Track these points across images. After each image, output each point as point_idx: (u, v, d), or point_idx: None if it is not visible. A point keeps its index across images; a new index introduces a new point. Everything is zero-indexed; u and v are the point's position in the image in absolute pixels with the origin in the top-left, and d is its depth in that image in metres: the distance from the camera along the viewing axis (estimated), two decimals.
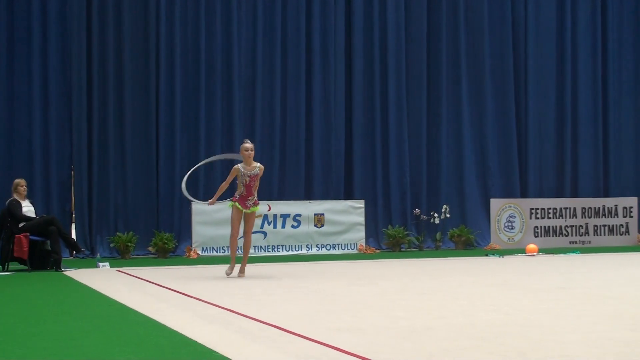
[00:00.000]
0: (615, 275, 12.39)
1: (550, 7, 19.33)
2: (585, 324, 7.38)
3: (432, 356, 5.85)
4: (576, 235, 18.49)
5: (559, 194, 19.21)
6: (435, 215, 17.57)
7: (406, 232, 17.28)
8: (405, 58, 18.13)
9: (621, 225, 18.91)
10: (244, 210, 11.58)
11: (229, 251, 12.67)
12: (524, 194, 18.83)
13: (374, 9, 17.90)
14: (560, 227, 18.40)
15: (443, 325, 7.30)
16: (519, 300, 9.40)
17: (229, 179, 11.69)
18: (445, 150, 18.32)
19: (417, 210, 17.66)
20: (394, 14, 18.03)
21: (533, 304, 8.92)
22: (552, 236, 18.31)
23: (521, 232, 17.99)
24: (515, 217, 17.98)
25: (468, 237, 17.56)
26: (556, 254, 16.58)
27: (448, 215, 17.65)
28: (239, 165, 11.61)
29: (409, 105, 18.15)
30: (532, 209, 18.20)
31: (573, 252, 17.00)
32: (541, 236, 18.13)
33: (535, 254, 16.35)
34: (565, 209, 18.49)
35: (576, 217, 18.55)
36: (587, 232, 18.60)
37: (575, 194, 19.31)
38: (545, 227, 18.27)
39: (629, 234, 18.93)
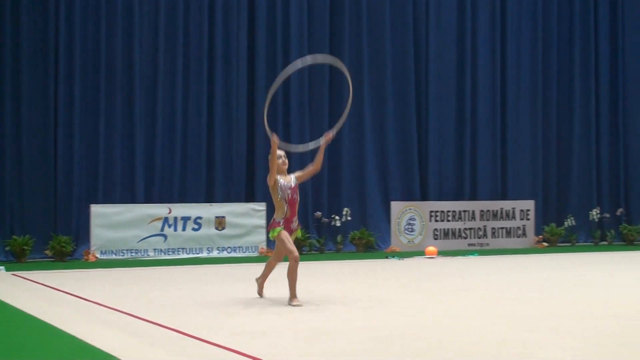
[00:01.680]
0: (513, 278, 12.79)
1: (451, 12, 19.75)
2: (485, 325, 7.71)
3: (331, 357, 6.04)
4: (474, 238, 18.87)
5: (458, 196, 19.54)
6: (337, 218, 17.76)
7: (307, 235, 17.34)
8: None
9: (518, 227, 19.38)
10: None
11: (291, 281, 9.27)
12: (424, 197, 19.09)
13: (277, 11, 18.00)
14: (459, 229, 18.74)
15: (343, 327, 7.53)
16: (420, 302, 9.68)
17: (275, 155, 9.37)
18: (346, 154, 18.49)
19: (319, 213, 17.83)
20: (297, 16, 18.15)
21: (433, 306, 9.21)
22: (451, 238, 18.63)
23: (421, 235, 18.26)
24: (415, 219, 18.25)
25: (369, 240, 17.78)
26: (455, 256, 16.93)
27: (349, 218, 17.85)
28: (278, 176, 9.43)
29: (311, 109, 18.31)
30: (432, 211, 18.49)
31: (471, 254, 17.35)
32: (440, 238, 18.42)
33: (434, 256, 16.72)
34: (464, 211, 18.86)
35: (475, 220, 18.91)
36: (485, 235, 18.99)
37: (474, 196, 19.69)
38: (444, 229, 18.58)
39: (525, 237, 19.41)
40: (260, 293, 9.87)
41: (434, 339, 6.85)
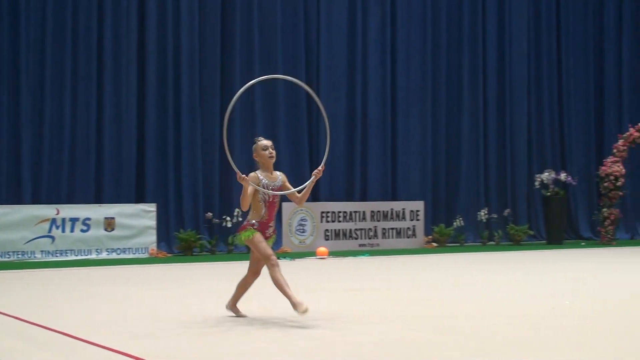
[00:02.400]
0: (403, 277, 13.06)
1: (342, 14, 19.99)
2: (379, 324, 7.81)
3: (224, 357, 6.13)
4: (365, 238, 19.12)
5: (349, 197, 19.75)
6: (228, 218, 17.79)
7: (198, 236, 17.38)
8: (199, 61, 18.25)
9: (408, 228, 19.69)
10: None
11: (282, 289, 7.97)
12: (315, 198, 19.13)
13: (168, 11, 17.92)
14: (350, 230, 18.96)
15: (236, 328, 7.59)
16: (311, 302, 9.80)
17: (247, 194, 7.93)
18: (237, 154, 18.38)
19: (209, 214, 17.83)
20: (188, 16, 18.08)
21: (325, 306, 9.21)
22: (342, 239, 18.83)
23: (312, 236, 18.43)
24: (306, 220, 18.41)
25: None
26: (346, 256, 17.17)
27: (240, 219, 17.85)
28: (257, 172, 8.10)
29: (202, 110, 18.28)
30: (323, 212, 18.68)
31: (362, 254, 17.60)
32: (332, 239, 18.61)
33: (325, 256, 16.91)
34: (355, 212, 19.08)
35: (365, 221, 19.14)
36: (375, 235, 19.25)
37: (364, 197, 19.93)
38: (335, 230, 18.79)
39: (415, 237, 19.74)
40: (238, 313, 8.38)
41: (326, 338, 6.96)
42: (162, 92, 17.91)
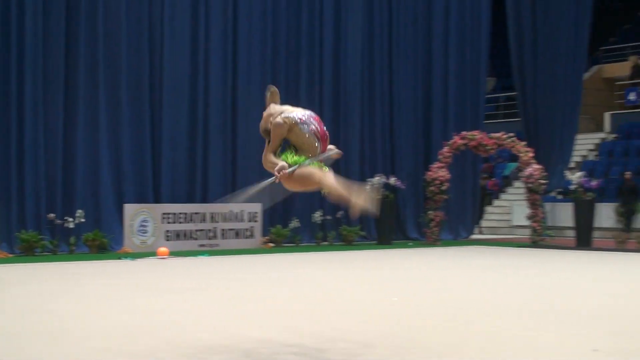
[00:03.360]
0: (240, 277, 13.47)
1: (185, 23, 20.17)
2: (221, 323, 8.27)
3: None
4: (205, 239, 19.30)
5: (190, 199, 19.89)
6: (70, 219, 17.70)
7: (40, 237, 17.16)
8: (42, 60, 17.95)
9: (247, 229, 20.03)
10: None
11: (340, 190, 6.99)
12: (157, 200, 19.33)
13: (11, 11, 17.58)
14: (191, 231, 19.17)
15: (78, 327, 7.89)
16: (151, 301, 10.03)
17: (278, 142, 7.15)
18: (81, 155, 18.42)
19: (52, 215, 17.64)
20: (32, 17, 17.71)
21: (166, 305, 9.59)
22: (183, 239, 18.96)
23: (153, 236, 18.51)
24: (148, 221, 18.49)
25: (102, 241, 17.75)
26: (186, 256, 17.42)
27: (82, 220, 17.85)
28: (280, 113, 7.17)
29: (45, 110, 18.00)
30: (164, 213, 18.76)
31: (202, 254, 17.92)
32: (172, 240, 18.71)
33: (166, 256, 17.18)
34: (196, 213, 19.27)
35: (205, 222, 19.33)
36: (215, 236, 19.48)
37: (205, 199, 20.03)
38: (176, 231, 18.93)
39: (253, 237, 20.09)
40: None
41: (170, 337, 7.26)
42: (3, 89, 17.56)
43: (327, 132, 7.18)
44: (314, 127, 7.05)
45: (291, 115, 7.05)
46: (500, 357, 6.69)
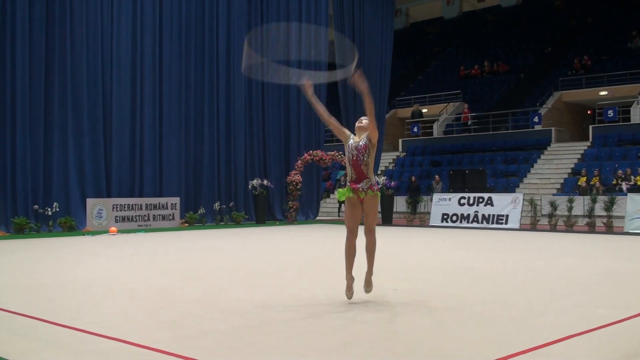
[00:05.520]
0: (169, 246, 12.85)
1: (127, 64, 18.94)
2: (149, 276, 7.98)
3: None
4: (142, 221, 18.86)
5: (131, 194, 19.31)
6: (49, 209, 17.26)
7: (28, 221, 16.57)
8: (28, 94, 16.90)
9: (170, 214, 19.52)
10: (361, 196, 5.98)
11: (345, 263, 6.08)
12: (109, 195, 18.76)
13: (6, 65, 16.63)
14: (132, 215, 18.69)
15: (52, 281, 7.59)
16: (103, 263, 9.66)
17: (314, 103, 6.18)
18: (56, 164, 17.61)
19: (36, 206, 17.15)
20: (21, 68, 16.80)
21: (115, 265, 9.26)
22: (127, 222, 18.53)
23: (107, 220, 18.13)
24: (103, 210, 18.08)
25: (71, 224, 17.32)
26: (129, 233, 17.16)
27: (57, 209, 17.44)
28: (349, 134, 6.18)
29: (31, 132, 16.98)
30: (114, 204, 18.33)
31: (140, 231, 17.72)
32: (120, 222, 18.32)
33: (115, 233, 16.95)
34: (135, 204, 18.80)
35: (142, 210, 18.77)
36: (149, 219, 19.02)
37: (142, 194, 19.51)
38: (122, 216, 18.47)
39: (174, 220, 19.58)
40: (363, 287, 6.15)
41: (114, 286, 7.07)
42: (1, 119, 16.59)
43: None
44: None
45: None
46: None
